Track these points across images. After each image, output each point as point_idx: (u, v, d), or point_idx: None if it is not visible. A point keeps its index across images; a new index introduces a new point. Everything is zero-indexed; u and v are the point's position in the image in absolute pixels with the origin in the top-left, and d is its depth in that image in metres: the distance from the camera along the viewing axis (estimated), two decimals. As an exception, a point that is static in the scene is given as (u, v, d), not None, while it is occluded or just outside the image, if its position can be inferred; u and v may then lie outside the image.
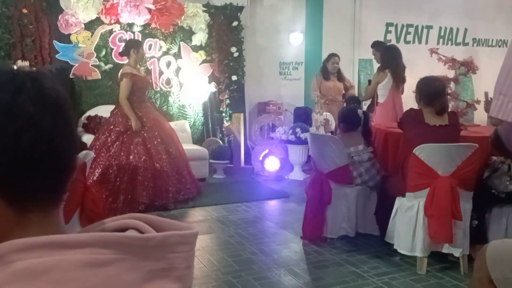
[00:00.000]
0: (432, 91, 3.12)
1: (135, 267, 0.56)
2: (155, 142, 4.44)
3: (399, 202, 3.16)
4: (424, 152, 2.93)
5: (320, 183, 3.48)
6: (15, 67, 0.63)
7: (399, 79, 4.87)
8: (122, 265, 0.55)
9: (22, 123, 0.56)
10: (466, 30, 8.36)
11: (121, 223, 0.62)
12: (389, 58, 4.91)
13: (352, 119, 3.62)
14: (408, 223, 3.02)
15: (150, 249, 0.57)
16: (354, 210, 3.51)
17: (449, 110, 3.34)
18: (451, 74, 4.39)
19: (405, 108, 4.96)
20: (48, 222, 0.60)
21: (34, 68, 4.89)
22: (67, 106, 0.62)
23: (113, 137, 4.37)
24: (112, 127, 4.45)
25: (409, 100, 5.42)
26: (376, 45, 5.53)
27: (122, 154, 4.30)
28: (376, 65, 5.56)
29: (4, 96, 0.56)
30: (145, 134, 4.43)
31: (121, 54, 4.74)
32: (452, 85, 3.81)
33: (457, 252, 2.95)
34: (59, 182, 0.61)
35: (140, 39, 5.58)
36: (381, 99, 4.95)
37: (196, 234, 0.64)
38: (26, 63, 5.02)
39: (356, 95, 6.38)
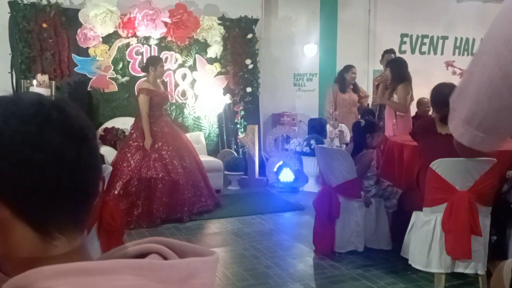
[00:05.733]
0: (441, 98, 3.09)
1: None
2: (170, 157, 4.48)
3: (415, 216, 3.12)
4: (441, 166, 2.89)
5: (329, 197, 3.45)
6: (38, 93, 0.64)
7: (412, 91, 4.89)
8: None
9: (48, 155, 0.57)
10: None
11: (143, 248, 0.63)
12: (403, 70, 4.88)
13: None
14: (425, 238, 2.98)
15: (173, 275, 0.58)
16: (362, 224, 3.47)
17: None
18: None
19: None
20: (74, 248, 0.61)
21: (56, 85, 4.91)
22: (92, 135, 0.63)
23: (133, 151, 4.45)
24: (130, 142, 4.54)
25: (424, 111, 5.39)
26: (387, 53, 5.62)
27: (142, 168, 4.36)
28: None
29: (31, 128, 0.57)
30: (159, 150, 4.47)
31: (142, 70, 4.87)
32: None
33: (480, 270, 2.86)
34: (84, 209, 0.63)
35: (156, 54, 5.66)
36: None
37: (217, 260, 0.65)
38: (46, 77, 5.12)
39: (370, 106, 6.35)
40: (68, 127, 0.59)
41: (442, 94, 3.09)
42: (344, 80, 5.91)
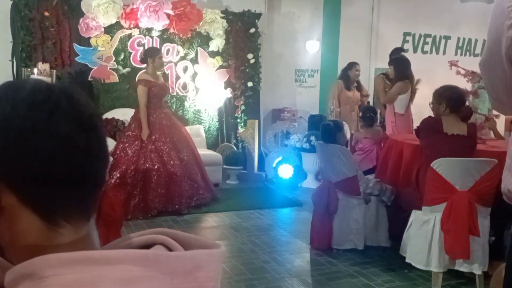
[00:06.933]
0: (459, 97, 3.14)
1: (165, 284, 0.56)
2: (166, 149, 4.48)
3: (414, 215, 3.12)
4: (442, 166, 2.89)
5: (328, 192, 3.46)
6: (48, 82, 0.64)
7: (414, 91, 4.89)
8: (152, 282, 0.55)
9: (57, 143, 0.56)
10: (485, 41, 8.26)
11: (148, 238, 0.63)
12: (405, 69, 4.92)
13: None
14: (424, 237, 2.98)
15: (178, 267, 0.58)
16: (362, 222, 3.47)
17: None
18: (469, 86, 4.34)
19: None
20: (79, 237, 0.60)
21: (64, 75, 4.91)
22: (100, 123, 0.63)
23: (130, 141, 4.45)
24: (128, 132, 4.55)
25: (424, 110, 5.37)
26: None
27: (139, 158, 4.36)
28: None
29: (41, 116, 0.56)
30: (156, 142, 4.47)
31: (141, 61, 4.87)
32: (470, 98, 3.77)
33: (476, 269, 2.88)
34: (91, 198, 0.62)
35: (158, 46, 5.64)
36: (400, 110, 4.89)
37: (222, 253, 0.64)
38: (47, 65, 5.09)
39: (372, 104, 6.34)
40: (77, 115, 0.59)
41: (458, 93, 3.16)
42: (348, 77, 5.87)
